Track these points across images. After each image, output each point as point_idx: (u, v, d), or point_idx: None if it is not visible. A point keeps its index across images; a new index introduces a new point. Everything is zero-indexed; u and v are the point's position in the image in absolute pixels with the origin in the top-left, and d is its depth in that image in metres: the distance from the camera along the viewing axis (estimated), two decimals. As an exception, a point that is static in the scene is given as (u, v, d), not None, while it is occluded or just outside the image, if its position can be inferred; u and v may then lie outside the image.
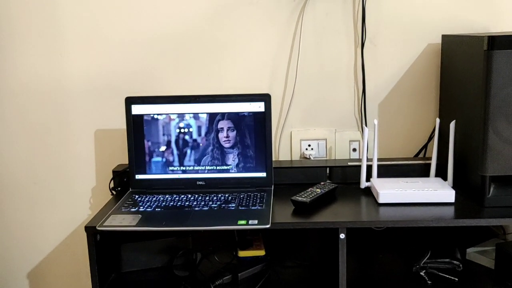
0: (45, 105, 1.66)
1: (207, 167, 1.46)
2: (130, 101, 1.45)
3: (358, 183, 1.42)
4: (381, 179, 1.41)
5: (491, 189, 1.26)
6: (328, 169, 1.52)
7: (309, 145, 1.65)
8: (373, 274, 1.40)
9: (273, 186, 1.44)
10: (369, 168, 1.42)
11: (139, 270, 1.45)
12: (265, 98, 1.43)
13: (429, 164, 1.43)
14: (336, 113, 1.64)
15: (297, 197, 1.31)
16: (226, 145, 1.45)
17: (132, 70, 1.63)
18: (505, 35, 1.19)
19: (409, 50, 1.60)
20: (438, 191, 1.30)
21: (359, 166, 1.42)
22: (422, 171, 1.47)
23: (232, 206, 1.31)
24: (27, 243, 1.76)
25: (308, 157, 1.64)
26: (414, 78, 1.62)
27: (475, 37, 1.26)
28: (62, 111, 1.67)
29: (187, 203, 1.34)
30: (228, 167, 1.45)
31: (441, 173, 1.42)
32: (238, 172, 1.45)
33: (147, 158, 1.46)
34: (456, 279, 1.34)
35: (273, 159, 1.53)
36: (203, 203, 1.33)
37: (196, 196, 1.39)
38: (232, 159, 1.45)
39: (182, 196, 1.39)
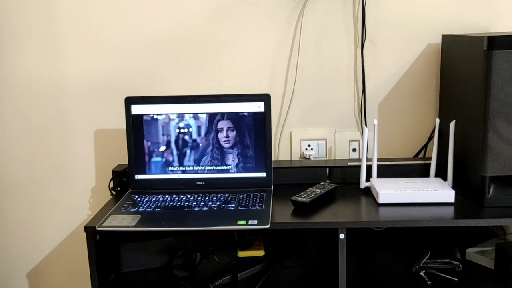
0: (45, 105, 1.66)
1: (207, 167, 1.46)
2: (130, 101, 1.45)
3: (358, 183, 1.42)
4: (381, 179, 1.41)
5: (491, 189, 1.26)
6: (328, 169, 1.51)
7: (309, 145, 1.65)
8: (373, 274, 1.40)
9: (272, 186, 1.44)
10: (369, 168, 1.42)
11: (139, 270, 1.45)
12: (265, 98, 1.43)
13: (429, 164, 1.43)
14: (336, 113, 1.64)
15: (297, 197, 1.31)
16: (226, 145, 1.45)
17: (131, 70, 1.63)
18: (505, 35, 1.18)
19: (409, 50, 1.60)
20: (438, 191, 1.30)
21: (359, 166, 1.42)
22: (422, 171, 1.47)
23: (232, 206, 1.31)
24: (27, 243, 1.76)
25: (307, 157, 1.64)
26: (414, 78, 1.62)
27: (475, 37, 1.26)
28: (62, 111, 1.67)
29: (186, 203, 1.34)
30: (228, 167, 1.45)
31: (441, 173, 1.42)
32: (237, 172, 1.45)
33: (146, 158, 1.46)
34: (456, 279, 1.34)
35: (273, 159, 1.53)
36: (202, 203, 1.33)
37: (196, 196, 1.39)
38: (231, 159, 1.45)
39: (182, 196, 1.39)
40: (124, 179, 1.51)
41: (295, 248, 1.57)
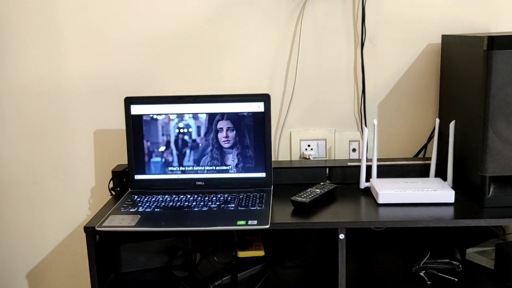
0: (45, 105, 1.66)
1: (207, 167, 1.46)
2: (130, 101, 1.45)
3: (358, 183, 1.42)
4: (380, 179, 1.41)
5: (491, 189, 1.26)
6: (327, 169, 1.51)
7: (309, 145, 1.65)
8: (373, 274, 1.40)
9: (272, 187, 1.44)
10: (369, 168, 1.42)
11: (138, 270, 1.45)
12: (265, 98, 1.43)
13: (429, 164, 1.43)
14: (335, 113, 1.64)
15: (297, 198, 1.31)
16: (226, 145, 1.45)
17: (131, 70, 1.63)
18: (505, 35, 1.18)
19: (409, 50, 1.60)
20: (437, 192, 1.30)
21: (359, 167, 1.42)
22: (421, 171, 1.47)
23: (232, 207, 1.30)
24: (27, 243, 1.76)
25: (307, 157, 1.64)
26: (414, 78, 1.61)
27: (475, 37, 1.26)
28: (62, 111, 1.67)
29: (186, 203, 1.34)
30: (228, 167, 1.45)
31: (441, 173, 1.42)
32: (237, 172, 1.45)
33: (146, 158, 1.46)
34: (456, 279, 1.34)
35: (273, 159, 1.53)
36: (202, 203, 1.33)
37: (196, 196, 1.39)
38: (231, 159, 1.45)
39: (182, 196, 1.39)
40: (124, 179, 1.51)
41: (295, 248, 1.57)
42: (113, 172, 1.52)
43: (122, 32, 1.61)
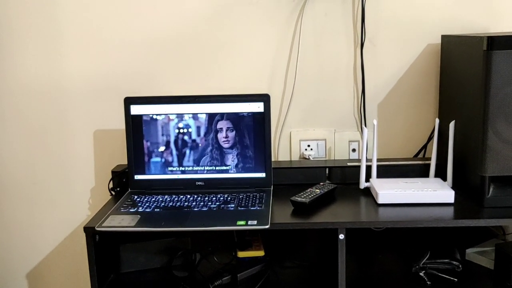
0: (44, 105, 1.66)
1: (206, 168, 1.46)
2: (129, 101, 1.45)
3: (358, 183, 1.42)
4: (380, 179, 1.41)
5: (491, 190, 1.26)
6: (327, 169, 1.51)
7: (309, 146, 1.65)
8: (373, 274, 1.40)
9: (272, 187, 1.44)
10: (369, 168, 1.42)
11: (138, 270, 1.45)
12: (264, 98, 1.43)
13: (429, 165, 1.43)
14: (335, 114, 1.64)
15: (296, 198, 1.31)
16: (225, 145, 1.45)
17: (131, 70, 1.63)
18: (504, 35, 1.18)
19: (408, 50, 1.60)
20: (437, 192, 1.30)
21: (359, 167, 1.42)
22: (421, 172, 1.47)
23: (231, 207, 1.31)
24: (26, 244, 1.76)
25: (307, 157, 1.64)
26: (414, 78, 1.61)
27: (474, 37, 1.26)
28: (61, 112, 1.67)
29: (186, 203, 1.34)
30: (227, 168, 1.45)
31: (441, 173, 1.42)
32: (237, 172, 1.45)
33: (146, 159, 1.46)
34: (456, 279, 1.34)
35: (272, 159, 1.52)
36: (202, 203, 1.33)
37: (195, 196, 1.39)
38: (231, 159, 1.45)
39: (181, 196, 1.39)
40: (124, 180, 1.51)
41: (294, 249, 1.57)
42: (113, 172, 1.52)
43: (122, 32, 1.61)
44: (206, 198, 1.36)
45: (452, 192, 1.30)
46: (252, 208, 1.29)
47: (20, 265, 1.78)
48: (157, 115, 1.45)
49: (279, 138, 1.66)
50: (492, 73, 1.19)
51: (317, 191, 1.35)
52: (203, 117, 1.45)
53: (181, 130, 1.45)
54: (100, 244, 1.30)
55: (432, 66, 1.60)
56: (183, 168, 1.46)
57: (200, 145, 1.45)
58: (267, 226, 1.20)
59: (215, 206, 1.31)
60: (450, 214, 1.23)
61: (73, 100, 1.66)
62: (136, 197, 1.40)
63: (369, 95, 1.62)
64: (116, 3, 1.59)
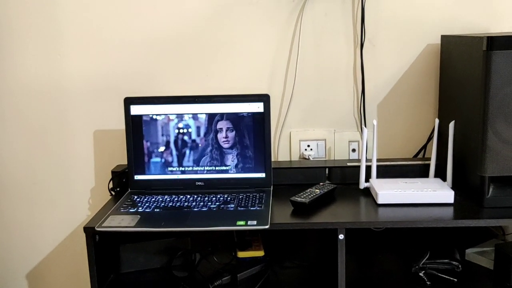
0: (44, 105, 1.66)
1: (206, 168, 1.46)
2: (129, 101, 1.45)
3: (357, 183, 1.42)
4: (380, 179, 1.41)
5: (490, 190, 1.26)
6: (327, 169, 1.51)
7: (308, 146, 1.65)
8: (372, 274, 1.40)
9: (272, 187, 1.44)
10: (368, 168, 1.42)
11: (138, 270, 1.45)
12: (264, 98, 1.43)
13: (428, 165, 1.43)
14: (335, 114, 1.64)
15: (296, 198, 1.31)
16: (225, 145, 1.45)
17: (131, 71, 1.63)
18: (504, 35, 1.18)
19: (408, 50, 1.60)
20: (437, 192, 1.30)
21: (358, 167, 1.42)
22: (421, 172, 1.47)
23: (231, 207, 1.31)
24: (26, 244, 1.76)
25: (307, 157, 1.64)
26: (413, 78, 1.61)
27: (474, 38, 1.26)
28: (61, 112, 1.67)
29: (186, 203, 1.34)
30: (227, 168, 1.45)
31: (440, 173, 1.42)
32: (237, 172, 1.45)
33: (146, 159, 1.46)
34: (455, 279, 1.34)
35: (272, 159, 1.52)
36: (202, 203, 1.33)
37: (195, 196, 1.39)
38: (231, 159, 1.45)
39: (181, 196, 1.39)
40: (124, 180, 1.51)
41: (294, 249, 1.57)
42: (112, 172, 1.53)
43: (122, 32, 1.61)
44: (206, 198, 1.36)
45: (452, 192, 1.30)
46: (252, 208, 1.29)
47: (20, 265, 1.78)
48: (157, 115, 1.45)
49: (279, 138, 1.66)
50: (492, 73, 1.19)
51: (317, 191, 1.35)
52: (203, 117, 1.45)
53: (181, 130, 1.45)
54: (100, 244, 1.30)
55: (431, 66, 1.60)
56: (183, 168, 1.46)
57: (200, 145, 1.45)
58: (267, 226, 1.20)
59: (215, 206, 1.31)
60: (449, 214, 1.23)
61: (73, 100, 1.66)
62: (136, 197, 1.40)
63: (369, 95, 1.62)
64: (116, 3, 1.59)
